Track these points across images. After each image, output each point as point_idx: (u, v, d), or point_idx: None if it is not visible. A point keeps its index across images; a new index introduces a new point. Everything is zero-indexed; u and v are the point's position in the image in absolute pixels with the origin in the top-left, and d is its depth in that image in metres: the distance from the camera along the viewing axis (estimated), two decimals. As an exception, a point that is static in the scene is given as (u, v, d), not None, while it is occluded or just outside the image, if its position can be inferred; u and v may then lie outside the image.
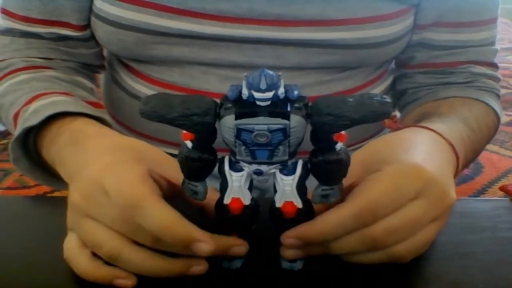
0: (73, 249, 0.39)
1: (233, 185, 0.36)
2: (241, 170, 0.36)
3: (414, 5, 0.62)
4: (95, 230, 0.38)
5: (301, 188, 0.36)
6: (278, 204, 0.37)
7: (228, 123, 0.33)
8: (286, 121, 0.33)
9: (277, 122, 0.33)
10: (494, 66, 0.67)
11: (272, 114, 0.33)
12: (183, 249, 0.36)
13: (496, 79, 0.67)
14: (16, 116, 0.54)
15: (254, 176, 0.36)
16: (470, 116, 0.57)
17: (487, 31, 0.65)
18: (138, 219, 0.35)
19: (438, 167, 0.41)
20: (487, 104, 0.62)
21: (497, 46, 0.68)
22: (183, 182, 0.38)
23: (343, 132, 0.35)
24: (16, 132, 0.51)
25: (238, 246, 0.38)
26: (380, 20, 0.58)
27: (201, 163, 0.36)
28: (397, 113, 0.74)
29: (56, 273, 0.40)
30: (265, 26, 0.57)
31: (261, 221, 0.38)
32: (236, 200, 0.36)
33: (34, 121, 0.49)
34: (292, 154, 0.35)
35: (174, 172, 0.39)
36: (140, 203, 0.35)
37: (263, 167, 0.35)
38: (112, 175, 0.38)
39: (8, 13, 0.62)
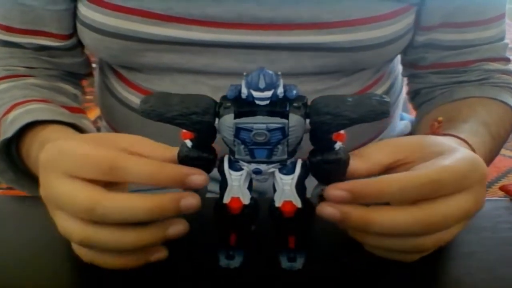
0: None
1: (233, 185, 0.36)
2: (240, 169, 0.36)
3: (414, 4, 0.60)
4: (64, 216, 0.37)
5: (300, 188, 0.36)
6: (278, 203, 0.37)
7: (227, 122, 0.33)
8: (284, 120, 0.33)
9: (275, 121, 0.33)
10: (506, 60, 0.66)
11: (271, 113, 0.33)
12: (177, 185, 0.35)
13: (510, 73, 0.66)
14: None
15: (253, 176, 0.36)
16: (490, 121, 0.57)
17: (494, 28, 0.64)
18: (120, 174, 0.34)
19: None
20: (505, 104, 0.61)
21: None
22: None
23: (342, 132, 0.35)
24: None
25: (197, 175, 0.36)
26: (376, 21, 0.57)
27: (200, 162, 0.36)
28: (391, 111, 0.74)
29: (56, 273, 0.40)
30: (256, 31, 0.55)
31: (261, 221, 0.38)
32: (235, 199, 0.36)
33: (10, 132, 0.50)
34: (291, 154, 0.35)
35: (150, 150, 0.38)
36: (118, 158, 0.35)
37: (262, 166, 0.35)
38: (76, 144, 0.37)
39: None
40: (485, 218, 0.46)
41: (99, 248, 0.36)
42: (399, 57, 0.72)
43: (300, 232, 0.38)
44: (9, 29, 0.60)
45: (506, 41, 0.66)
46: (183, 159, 0.36)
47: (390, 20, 0.58)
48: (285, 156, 0.35)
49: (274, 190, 0.37)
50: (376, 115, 0.33)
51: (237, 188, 0.36)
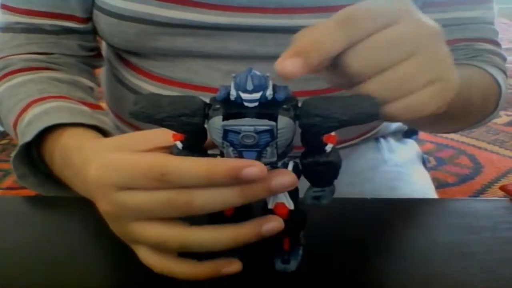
0: (159, 260, 0.37)
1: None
2: None
3: None
4: (148, 225, 0.35)
5: (292, 190, 0.36)
6: (270, 205, 0.36)
7: (215, 124, 0.33)
8: (272, 123, 0.32)
9: (263, 124, 0.32)
10: (496, 44, 0.65)
11: (260, 116, 0.32)
12: (233, 181, 0.32)
13: (501, 57, 0.65)
14: (15, 125, 0.54)
15: None
16: (463, 72, 0.54)
17: (481, 9, 0.64)
18: (173, 179, 0.33)
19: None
20: (488, 73, 0.60)
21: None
22: None
23: (333, 134, 0.34)
24: (16, 149, 0.50)
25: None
26: None
27: None
28: None
29: (56, 273, 0.40)
30: (267, 14, 0.57)
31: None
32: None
33: (29, 136, 0.49)
34: (282, 156, 0.35)
35: (163, 140, 0.37)
36: (168, 163, 0.33)
37: None
38: (114, 158, 0.35)
39: (9, 8, 0.62)
40: (485, 218, 0.46)
41: (197, 249, 0.35)
42: None
43: (294, 234, 0.38)
44: (29, 12, 0.61)
45: (496, 27, 0.66)
46: None
47: None
48: (275, 159, 0.34)
49: None
50: (366, 117, 0.33)
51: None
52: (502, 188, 0.51)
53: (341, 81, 0.37)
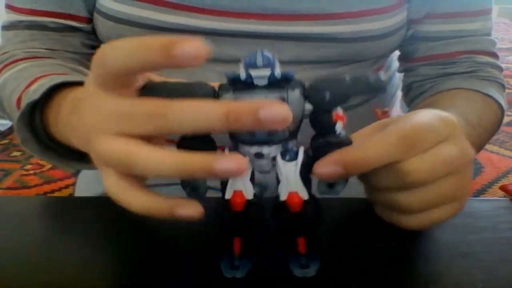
0: (117, 184, 0.35)
1: (236, 180, 0.35)
2: None
3: (407, 1, 0.63)
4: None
5: (305, 178, 0.35)
6: (283, 196, 0.35)
7: (226, 99, 0.33)
8: (283, 93, 0.33)
9: (274, 94, 0.33)
10: (494, 56, 0.68)
11: (270, 88, 0.33)
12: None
13: (500, 69, 0.67)
14: (19, 100, 0.53)
15: (255, 162, 0.35)
16: (470, 111, 0.57)
17: (481, 21, 0.66)
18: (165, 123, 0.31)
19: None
20: (490, 96, 0.62)
21: (497, 46, 0.69)
22: (182, 181, 0.37)
23: (341, 113, 0.35)
24: (21, 109, 0.48)
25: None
26: (376, 14, 0.59)
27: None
28: (388, 109, 0.75)
29: (56, 273, 0.40)
30: (263, 21, 0.57)
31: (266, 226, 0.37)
32: (238, 193, 0.35)
33: (36, 96, 0.47)
34: (293, 135, 0.35)
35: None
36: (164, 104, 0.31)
37: (264, 149, 0.35)
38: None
39: (13, 8, 0.62)
40: (485, 218, 0.46)
41: (141, 169, 0.32)
42: (396, 55, 0.73)
43: (310, 233, 0.37)
44: (33, 12, 0.61)
45: (493, 38, 0.67)
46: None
47: (388, 13, 0.60)
48: (286, 135, 0.34)
49: (278, 183, 0.36)
50: (372, 89, 0.34)
51: (239, 180, 0.35)
52: (502, 188, 0.51)
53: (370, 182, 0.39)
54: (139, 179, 0.35)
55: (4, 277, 0.40)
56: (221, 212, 0.36)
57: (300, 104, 0.34)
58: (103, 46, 0.33)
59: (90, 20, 0.63)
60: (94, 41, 0.65)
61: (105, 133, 0.33)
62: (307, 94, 0.34)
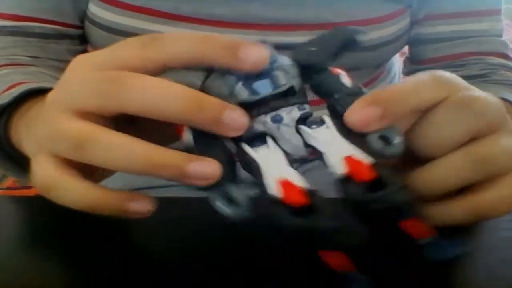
0: (54, 173, 0.31)
1: (268, 162, 0.28)
2: (264, 141, 0.30)
3: (410, 6, 0.62)
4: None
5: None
6: (339, 169, 0.28)
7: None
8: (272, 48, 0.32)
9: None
10: (507, 57, 0.66)
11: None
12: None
13: None
14: None
15: (276, 128, 0.31)
16: None
17: (488, 22, 0.64)
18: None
19: None
20: (507, 101, 0.61)
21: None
22: (211, 191, 0.28)
23: (339, 69, 0.36)
24: None
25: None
26: (376, 23, 0.59)
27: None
28: None
29: (56, 273, 0.40)
30: (261, 31, 0.56)
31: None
32: (285, 182, 0.26)
33: (6, 99, 0.45)
34: (302, 92, 0.33)
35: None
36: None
37: (281, 112, 0.31)
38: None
39: None
40: (485, 218, 0.46)
41: (102, 157, 0.29)
42: (396, 57, 0.73)
43: (409, 207, 0.30)
44: (18, 18, 0.60)
45: (504, 39, 0.66)
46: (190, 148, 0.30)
47: (389, 21, 0.59)
48: (293, 83, 0.32)
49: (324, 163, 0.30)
50: (352, 39, 0.36)
51: (276, 166, 0.28)
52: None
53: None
54: (83, 172, 0.32)
55: (3, 277, 0.40)
56: (274, 218, 0.26)
57: (293, 63, 0.33)
58: (157, 34, 0.31)
59: (79, 27, 0.61)
60: (79, 45, 0.64)
61: (65, 112, 0.30)
62: (295, 58, 0.34)
